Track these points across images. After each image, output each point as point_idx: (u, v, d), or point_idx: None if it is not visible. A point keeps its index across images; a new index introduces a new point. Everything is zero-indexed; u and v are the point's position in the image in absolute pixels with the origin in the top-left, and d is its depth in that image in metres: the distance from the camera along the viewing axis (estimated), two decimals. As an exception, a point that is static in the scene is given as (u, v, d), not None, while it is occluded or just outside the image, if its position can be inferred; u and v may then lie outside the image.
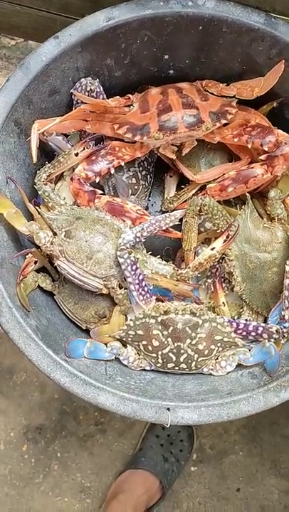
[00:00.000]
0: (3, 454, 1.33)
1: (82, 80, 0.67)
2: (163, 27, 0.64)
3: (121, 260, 0.61)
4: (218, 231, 0.67)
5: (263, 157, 0.64)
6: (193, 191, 0.73)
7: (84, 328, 0.68)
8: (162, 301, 0.65)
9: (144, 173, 0.75)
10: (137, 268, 0.62)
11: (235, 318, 0.66)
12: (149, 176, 0.76)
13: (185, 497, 1.33)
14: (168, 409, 0.55)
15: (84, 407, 1.34)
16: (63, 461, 1.34)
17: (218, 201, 0.71)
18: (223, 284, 0.69)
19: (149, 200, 0.81)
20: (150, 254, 0.68)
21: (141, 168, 0.74)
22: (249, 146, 0.65)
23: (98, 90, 0.68)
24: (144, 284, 0.63)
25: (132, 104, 0.71)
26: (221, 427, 1.35)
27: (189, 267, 0.66)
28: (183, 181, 0.77)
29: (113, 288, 0.63)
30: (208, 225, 0.72)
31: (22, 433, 1.36)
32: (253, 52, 0.66)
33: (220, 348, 0.63)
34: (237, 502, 1.33)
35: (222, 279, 0.68)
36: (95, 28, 0.62)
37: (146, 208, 0.80)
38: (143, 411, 0.55)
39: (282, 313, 0.61)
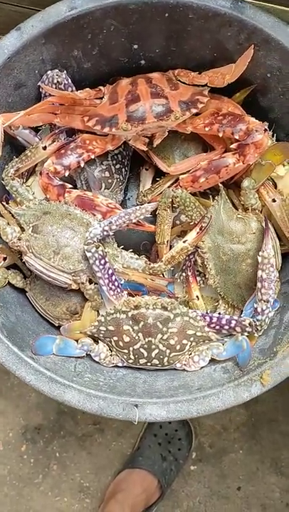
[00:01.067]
0: (2, 455, 1.32)
1: (49, 72, 0.66)
2: (128, 15, 0.62)
3: (88, 254, 0.60)
4: (192, 223, 0.65)
5: (234, 146, 0.63)
6: (168, 183, 0.72)
7: (56, 325, 0.67)
8: (134, 296, 0.63)
9: (118, 166, 0.73)
10: (105, 262, 0.61)
11: (209, 312, 0.64)
12: (123, 170, 0.74)
13: (185, 496, 1.32)
14: (136, 405, 0.54)
15: (82, 406, 1.32)
16: (62, 461, 1.33)
17: (194, 193, 0.69)
18: (199, 278, 0.67)
19: (126, 195, 0.79)
20: (125, 248, 0.66)
21: (114, 162, 0.73)
22: (220, 135, 0.64)
23: (66, 82, 0.67)
24: (114, 278, 0.62)
25: (103, 97, 0.70)
26: (220, 425, 1.34)
27: (162, 261, 0.64)
28: (159, 174, 0.75)
29: (83, 283, 0.62)
30: (183, 218, 0.70)
31: (20, 433, 1.36)
32: (222, 38, 0.64)
33: (193, 343, 0.61)
34: (238, 501, 1.31)
35: (196, 273, 0.67)
36: (57, 19, 0.60)
37: (123, 202, 0.78)
38: (110, 408, 0.54)
39: (255, 305, 0.59)
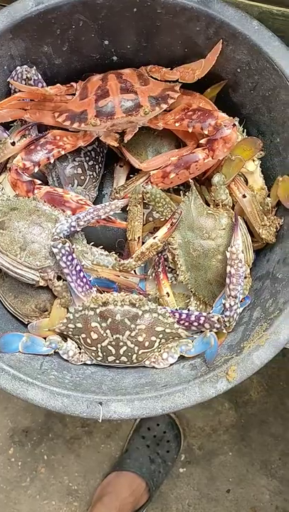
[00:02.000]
0: (-11, 458, 1.31)
1: (18, 67, 0.66)
2: (96, 10, 0.62)
3: (55, 250, 0.59)
4: (164, 220, 0.65)
5: (203, 141, 0.62)
6: (141, 180, 0.71)
7: (26, 322, 0.66)
8: (102, 293, 0.62)
9: (91, 163, 0.73)
10: (73, 258, 0.60)
11: (180, 309, 0.63)
12: (97, 167, 0.74)
13: (174, 499, 1.31)
14: (100, 403, 0.53)
15: (70, 408, 1.31)
16: (50, 464, 1.32)
17: (168, 190, 0.69)
18: (170, 275, 0.67)
19: (102, 191, 0.79)
20: (99, 246, 0.66)
21: (87, 158, 0.72)
22: (190, 130, 0.63)
23: (36, 78, 0.67)
24: (82, 275, 0.61)
25: (75, 93, 0.70)
26: (209, 426, 1.33)
27: (132, 257, 0.64)
28: (134, 171, 0.75)
29: (50, 280, 0.61)
30: (156, 215, 0.70)
31: (8, 436, 1.35)
32: (191, 34, 0.63)
33: (162, 340, 0.61)
34: (227, 503, 1.30)
35: (168, 269, 0.66)
36: (24, 14, 0.60)
37: (99, 199, 0.78)
38: (74, 406, 0.53)
39: (223, 301, 0.59)
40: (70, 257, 0.60)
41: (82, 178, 0.72)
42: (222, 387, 0.53)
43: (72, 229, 0.60)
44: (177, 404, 0.53)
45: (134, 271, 0.67)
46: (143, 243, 0.67)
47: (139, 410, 0.53)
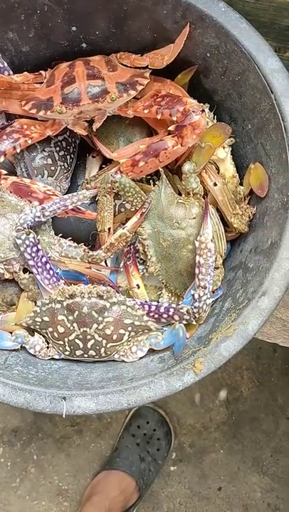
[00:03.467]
0: (-21, 458, 1.30)
1: (-18, 55, 0.64)
2: (60, -6, 0.60)
3: (19, 242, 0.58)
4: (134, 210, 0.63)
5: (171, 128, 0.60)
6: (113, 171, 0.69)
7: (-7, 317, 0.64)
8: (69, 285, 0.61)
9: (62, 153, 0.71)
10: (38, 250, 0.58)
11: (149, 301, 0.61)
12: (68, 157, 0.72)
13: (165, 498, 1.29)
14: (64, 398, 0.51)
15: (59, 407, 1.29)
16: (40, 464, 1.31)
17: (140, 180, 0.67)
18: (142, 266, 0.65)
19: (76, 183, 0.77)
20: (73, 239, 0.64)
21: (58, 149, 0.71)
22: (158, 117, 0.61)
23: (1, 66, 0.65)
24: (48, 267, 0.59)
25: (44, 81, 0.68)
26: (200, 424, 1.32)
27: (101, 249, 0.62)
28: (108, 162, 0.73)
29: (16, 272, 0.60)
30: (128, 205, 0.68)
31: (-3, 436, 1.33)
32: (159, 17, 0.62)
33: (131, 333, 0.59)
34: (219, 501, 1.29)
35: (139, 260, 0.64)
36: (-16, -3, 0.58)
37: (72, 191, 0.76)
38: (37, 401, 0.51)
39: (192, 292, 0.57)
40: (34, 249, 0.58)
41: (53, 168, 0.70)
42: (189, 380, 0.51)
43: (37, 219, 0.59)
44: (143, 398, 0.51)
45: (106, 263, 0.66)
46: (114, 235, 0.65)
47: (104, 405, 0.51)
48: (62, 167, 0.71)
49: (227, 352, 0.51)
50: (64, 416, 0.51)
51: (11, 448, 1.33)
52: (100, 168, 0.74)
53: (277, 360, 1.34)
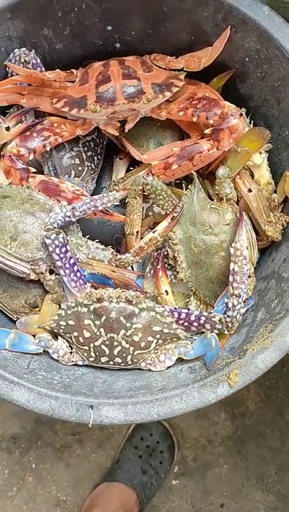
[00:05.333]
0: (-25, 465, 1.27)
1: (16, 50, 0.63)
2: (100, -8, 0.59)
3: (48, 241, 0.56)
4: (164, 214, 0.61)
5: (208, 131, 0.59)
6: (142, 173, 0.68)
7: (14, 319, 0.62)
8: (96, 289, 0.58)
9: (89, 153, 0.69)
10: (67, 251, 0.56)
11: (177, 308, 0.59)
12: (96, 158, 0.70)
13: (166, 512, 1.26)
14: (91, 406, 0.49)
15: (61, 415, 1.26)
16: (38, 473, 1.27)
17: (169, 183, 0.66)
18: (170, 272, 0.63)
19: (100, 184, 0.75)
20: (89, 238, 0.62)
21: (86, 149, 0.69)
22: (194, 119, 0.60)
23: (35, 62, 0.64)
24: (76, 268, 0.57)
25: (75, 80, 0.67)
26: (204, 437, 1.28)
27: (130, 252, 0.60)
28: (134, 164, 0.72)
29: (42, 273, 0.58)
30: (156, 209, 0.66)
31: (-5, 443, 1.29)
32: (199, 20, 0.61)
33: (159, 341, 0.57)
34: (221, 519, 1.25)
35: (167, 266, 0.62)
36: (24, -8, 0.57)
37: (97, 193, 0.74)
38: (62, 408, 0.49)
39: (226, 300, 0.55)
40: (63, 249, 0.56)
41: (80, 169, 0.68)
42: (223, 392, 0.49)
43: (67, 219, 0.57)
44: (174, 410, 0.48)
45: (132, 267, 0.64)
46: (142, 238, 0.64)
47: (133, 415, 0.48)
48: (89, 168, 0.69)
49: (263, 364, 0.49)
50: (90, 426, 0.48)
51: (9, 455, 1.30)
52: (127, 170, 0.72)
53: (285, 375, 1.31)
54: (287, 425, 1.29)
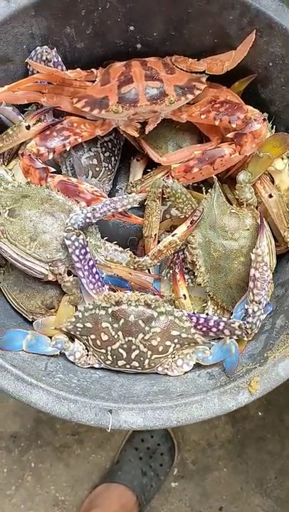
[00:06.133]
0: (-26, 463, 1.26)
1: (38, 48, 0.62)
2: (125, -8, 0.59)
3: (68, 242, 0.55)
4: (183, 217, 0.61)
5: (230, 135, 0.59)
6: (160, 175, 0.67)
7: (30, 319, 0.61)
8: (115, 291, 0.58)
9: (107, 154, 0.69)
10: (86, 252, 0.56)
11: (196, 312, 0.59)
12: (113, 159, 0.70)
13: (164, 515, 1.25)
14: (110, 411, 0.48)
15: (61, 415, 1.26)
16: (37, 472, 1.26)
17: (187, 186, 0.65)
18: (187, 276, 0.62)
19: (115, 186, 0.75)
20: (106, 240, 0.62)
21: (104, 149, 0.68)
22: (216, 123, 0.60)
23: (56, 61, 0.63)
24: (94, 270, 0.57)
25: (95, 80, 0.66)
26: (204, 440, 1.28)
27: (148, 255, 0.60)
28: (151, 166, 0.71)
29: (60, 274, 0.57)
30: (174, 212, 0.66)
31: (-5, 441, 1.29)
32: (223, 23, 0.60)
33: (177, 345, 0.56)
34: (219, 522, 1.25)
35: (184, 270, 0.62)
36: (49, -11, 0.57)
37: (113, 194, 0.74)
38: (81, 412, 0.48)
39: (246, 306, 0.54)
40: (83, 251, 0.55)
41: (97, 169, 0.68)
42: (243, 400, 0.48)
43: (88, 220, 0.56)
44: (194, 416, 0.48)
45: (148, 270, 0.63)
46: (158, 242, 0.63)
47: (152, 421, 0.48)
48: (107, 168, 0.69)
49: (284, 372, 0.49)
50: (109, 430, 0.48)
51: (8, 454, 1.29)
52: (144, 172, 0.72)
53: (286, 380, 1.31)
54: (287, 430, 1.28)
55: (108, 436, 1.27)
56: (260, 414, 1.25)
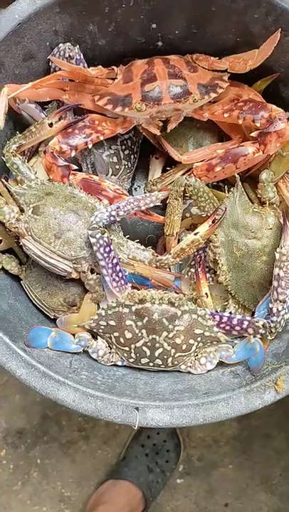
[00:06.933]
0: (-20, 459, 1.26)
1: (61, 45, 0.62)
2: (150, -11, 0.59)
3: (93, 240, 0.55)
4: (204, 216, 0.61)
5: (254, 134, 0.58)
6: (180, 173, 0.67)
7: (52, 317, 0.61)
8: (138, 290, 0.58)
9: (126, 152, 0.69)
10: (110, 250, 0.56)
11: (218, 310, 0.59)
12: (132, 157, 0.70)
13: (170, 511, 1.26)
14: (136, 408, 0.49)
15: (67, 412, 1.27)
16: (43, 469, 1.27)
17: (206, 185, 0.65)
18: (208, 275, 0.62)
19: (133, 184, 0.75)
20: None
21: (124, 147, 0.68)
22: (240, 122, 0.60)
23: (78, 58, 0.63)
24: (118, 268, 0.57)
25: (116, 77, 0.66)
26: (210, 437, 1.29)
27: (170, 253, 0.60)
28: (170, 165, 0.71)
29: (84, 272, 0.57)
30: (194, 211, 0.66)
31: (1, 437, 1.29)
32: (248, 21, 0.60)
33: (200, 344, 0.56)
34: (225, 518, 1.26)
35: (206, 269, 0.62)
36: (74, -14, 0.56)
37: (129, 192, 0.74)
38: (108, 410, 0.49)
39: (270, 305, 0.55)
40: (107, 249, 0.55)
41: (117, 167, 0.68)
42: (269, 399, 0.49)
43: (112, 218, 0.56)
44: (220, 414, 0.48)
45: (169, 268, 0.63)
46: (179, 240, 0.63)
47: (179, 419, 0.48)
48: (126, 166, 0.69)
49: (311, 371, 0.49)
50: (136, 428, 0.48)
51: (15, 450, 1.29)
52: (163, 170, 0.72)
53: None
54: (294, 427, 1.29)
55: (114, 433, 1.27)
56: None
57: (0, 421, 1.27)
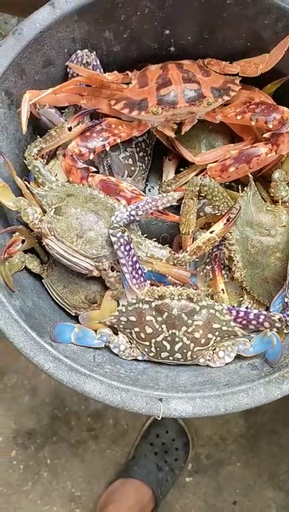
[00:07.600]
0: (-10, 460, 1.27)
1: (78, 51, 0.64)
2: (165, -2, 0.61)
3: (113, 239, 0.57)
4: (218, 215, 0.63)
5: (267, 135, 0.61)
6: (193, 174, 0.69)
7: (73, 314, 0.63)
8: (157, 286, 0.60)
9: (141, 154, 0.71)
10: (130, 249, 0.58)
11: (235, 306, 0.61)
12: (146, 158, 0.72)
13: (179, 509, 1.27)
14: (160, 399, 0.50)
15: (76, 412, 1.28)
16: (53, 469, 1.28)
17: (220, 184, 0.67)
18: (223, 271, 0.65)
19: (146, 185, 0.77)
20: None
21: (138, 149, 0.71)
22: (253, 123, 0.62)
23: (95, 64, 0.65)
24: (138, 266, 0.59)
25: (130, 82, 0.68)
26: (217, 435, 1.30)
27: (187, 251, 0.62)
28: (182, 166, 0.73)
29: (105, 270, 0.59)
30: (208, 210, 0.68)
31: (11, 438, 1.30)
32: (258, 27, 0.62)
33: (218, 338, 0.58)
34: (233, 515, 1.27)
35: (221, 265, 0.64)
36: (93, -5, 0.59)
37: (143, 193, 0.76)
38: (133, 401, 0.51)
39: (286, 300, 0.57)
40: (128, 247, 0.57)
41: (133, 168, 0.70)
42: (288, 389, 0.51)
43: (132, 218, 0.58)
44: (241, 404, 0.50)
45: (185, 266, 0.65)
46: (193, 239, 0.65)
47: (201, 409, 0.50)
48: (141, 168, 0.71)
49: None
50: (160, 418, 0.50)
51: (25, 450, 1.31)
52: (177, 171, 0.74)
53: None
54: (300, 423, 1.31)
55: (123, 432, 1.28)
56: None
57: (9, 422, 1.29)
